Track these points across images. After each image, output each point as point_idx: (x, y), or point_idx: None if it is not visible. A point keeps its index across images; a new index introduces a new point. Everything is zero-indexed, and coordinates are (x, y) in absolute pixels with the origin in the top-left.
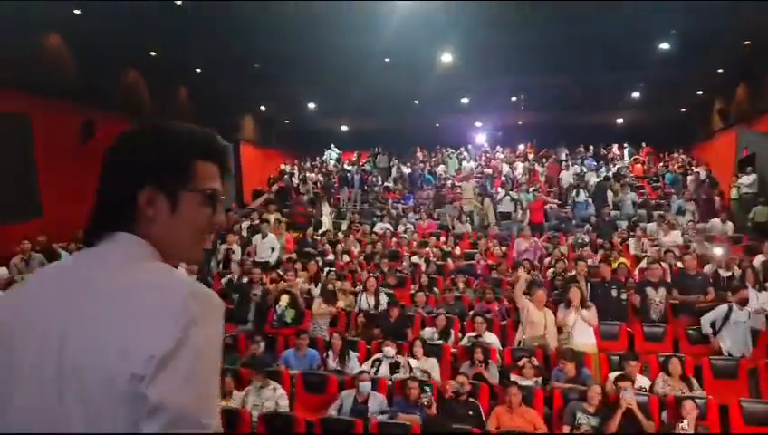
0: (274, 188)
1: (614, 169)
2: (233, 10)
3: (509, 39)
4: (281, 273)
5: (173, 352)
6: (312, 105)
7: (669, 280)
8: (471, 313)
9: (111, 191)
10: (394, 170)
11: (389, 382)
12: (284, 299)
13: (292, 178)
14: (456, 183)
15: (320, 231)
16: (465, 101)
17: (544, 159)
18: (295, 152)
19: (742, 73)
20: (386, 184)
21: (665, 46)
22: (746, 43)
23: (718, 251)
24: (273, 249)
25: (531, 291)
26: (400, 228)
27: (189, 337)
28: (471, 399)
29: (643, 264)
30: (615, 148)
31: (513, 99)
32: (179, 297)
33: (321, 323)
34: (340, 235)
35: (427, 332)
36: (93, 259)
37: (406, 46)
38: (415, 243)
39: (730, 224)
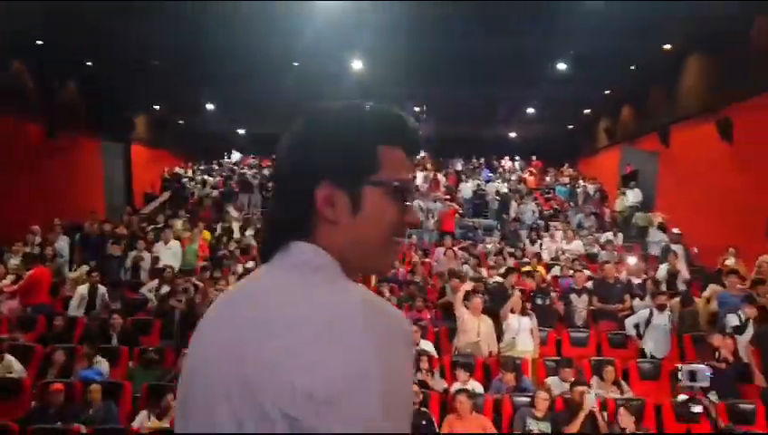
0: (166, 193)
1: (511, 181)
2: (132, 1)
3: (416, 49)
4: (196, 281)
5: (354, 388)
6: (210, 106)
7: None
8: None
9: (283, 191)
10: None
11: None
12: None
13: (190, 182)
14: None
15: (234, 237)
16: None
17: (444, 169)
18: (190, 155)
19: (627, 96)
20: None
21: (562, 66)
22: (632, 67)
23: (632, 261)
24: (175, 256)
25: (468, 298)
26: None
27: (371, 370)
28: (423, 408)
29: (555, 271)
30: (507, 160)
31: (416, 109)
32: (359, 324)
33: None
34: (254, 241)
35: None
36: (268, 278)
37: (316, 51)
38: None
39: (620, 235)
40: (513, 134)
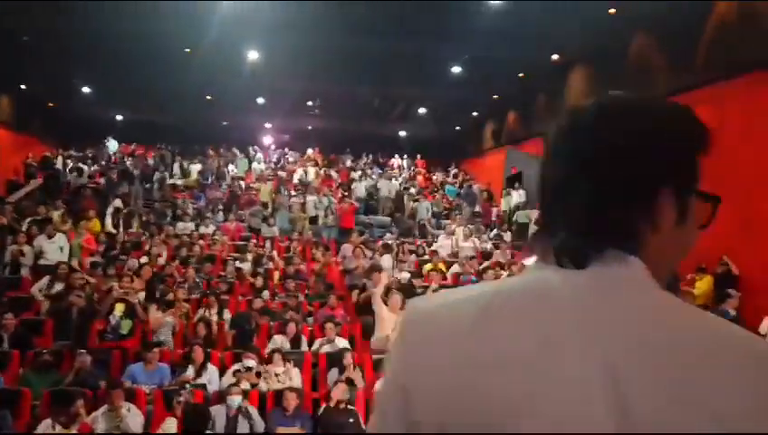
0: (34, 181)
1: (401, 179)
2: None
3: (313, 44)
4: (88, 277)
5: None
6: (87, 90)
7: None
8: (311, 319)
9: (609, 192)
10: (176, 167)
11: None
12: (119, 308)
13: (65, 170)
14: (252, 184)
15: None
16: (260, 101)
17: (336, 165)
18: (62, 141)
19: (513, 101)
20: (173, 181)
21: (456, 69)
22: (521, 75)
23: (530, 262)
24: (62, 249)
25: (387, 295)
26: (203, 229)
27: None
28: (349, 406)
29: (456, 268)
30: (397, 158)
31: (309, 103)
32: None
33: (162, 333)
34: (144, 236)
35: (277, 340)
36: (609, 292)
37: (210, 39)
38: (226, 246)
39: (509, 234)
40: (403, 133)
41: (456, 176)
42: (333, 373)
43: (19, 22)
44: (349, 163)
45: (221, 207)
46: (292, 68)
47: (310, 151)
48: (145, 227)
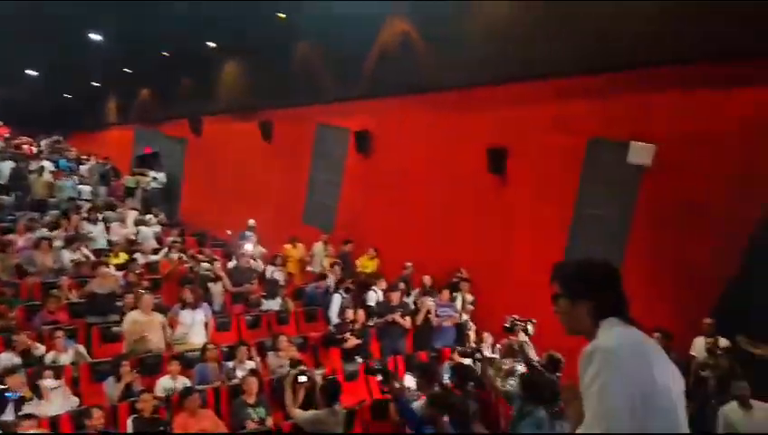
0: None
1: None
2: None
3: None
4: None
5: None
6: None
7: None
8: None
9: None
10: None
11: None
12: None
13: None
14: None
15: None
16: None
17: None
18: None
19: (153, 78)
20: None
21: (97, 37)
22: (165, 54)
23: (249, 247)
24: None
25: (138, 296)
26: None
27: None
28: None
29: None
30: None
31: None
32: None
33: None
34: None
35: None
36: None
37: None
38: None
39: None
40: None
41: (75, 150)
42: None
43: None
44: None
45: None
46: None
47: None
48: None
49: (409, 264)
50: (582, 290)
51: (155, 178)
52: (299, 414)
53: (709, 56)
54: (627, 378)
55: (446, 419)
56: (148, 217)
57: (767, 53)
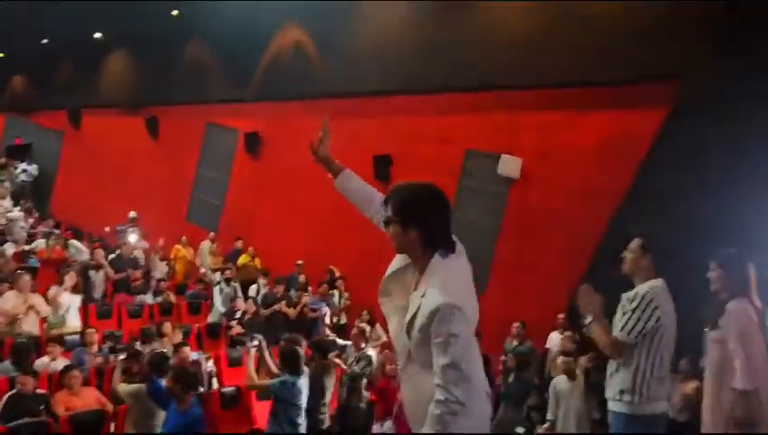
0: None
1: None
2: None
3: None
4: None
5: None
6: None
7: None
8: None
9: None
10: None
11: None
12: None
13: None
14: None
15: None
16: None
17: None
18: None
19: (27, 66)
20: None
21: None
22: (45, 41)
23: (133, 238)
24: None
25: (13, 277)
26: None
27: None
28: (39, 391)
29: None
30: None
31: None
32: None
33: None
34: None
35: None
36: None
37: None
38: None
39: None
40: None
41: None
42: None
43: None
44: None
45: None
46: None
47: None
48: None
49: (300, 261)
50: (413, 216)
51: (24, 171)
52: (121, 388)
53: (571, 82)
54: (470, 325)
55: None
56: (16, 209)
57: (622, 82)
